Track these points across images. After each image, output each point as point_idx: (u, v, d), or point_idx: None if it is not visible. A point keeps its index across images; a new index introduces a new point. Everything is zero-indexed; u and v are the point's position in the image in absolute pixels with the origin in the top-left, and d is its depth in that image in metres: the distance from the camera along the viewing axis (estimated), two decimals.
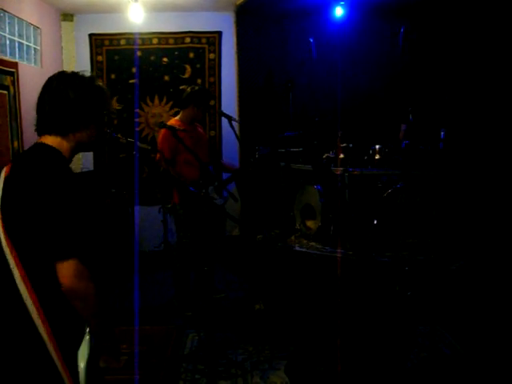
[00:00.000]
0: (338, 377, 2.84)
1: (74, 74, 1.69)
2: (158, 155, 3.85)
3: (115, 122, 5.77)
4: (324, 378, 2.90)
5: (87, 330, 1.60)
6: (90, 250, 1.62)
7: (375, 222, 4.06)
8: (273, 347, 3.48)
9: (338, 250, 4.04)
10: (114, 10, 5.43)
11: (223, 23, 5.80)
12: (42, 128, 1.66)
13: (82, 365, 1.53)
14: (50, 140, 1.64)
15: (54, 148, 1.62)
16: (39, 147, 1.63)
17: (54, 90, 1.64)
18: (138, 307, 3.88)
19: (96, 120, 1.70)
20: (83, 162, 5.78)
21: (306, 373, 3.06)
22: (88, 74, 1.71)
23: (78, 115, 1.64)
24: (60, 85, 1.64)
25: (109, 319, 1.65)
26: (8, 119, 4.22)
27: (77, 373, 1.53)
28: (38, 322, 1.51)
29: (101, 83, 1.74)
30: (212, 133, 5.88)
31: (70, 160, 1.68)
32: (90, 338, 1.59)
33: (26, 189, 1.52)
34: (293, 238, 4.53)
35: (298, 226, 4.59)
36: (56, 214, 1.49)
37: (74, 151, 1.69)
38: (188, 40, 5.80)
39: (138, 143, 2.35)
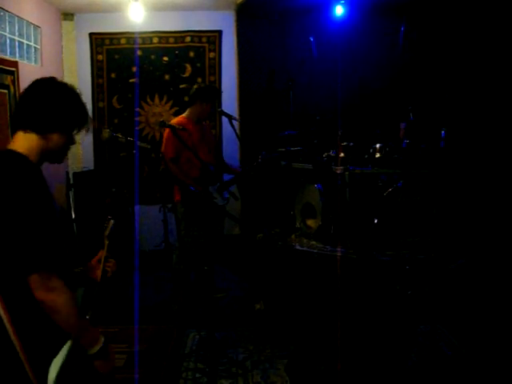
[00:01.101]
0: (339, 376, 2.84)
1: (65, 86, 1.71)
2: (163, 150, 3.90)
3: (116, 120, 5.78)
4: (324, 377, 2.90)
5: (69, 340, 1.60)
6: (64, 258, 1.62)
7: (376, 220, 4.06)
8: (273, 346, 3.48)
9: (339, 249, 4.04)
10: (115, 10, 5.43)
11: (223, 22, 5.79)
12: (14, 123, 1.68)
13: (53, 375, 1.52)
14: (20, 142, 1.64)
15: (19, 154, 1.61)
16: (5, 155, 1.62)
17: (36, 89, 1.67)
18: (138, 306, 3.88)
19: (65, 130, 1.70)
20: (84, 161, 5.79)
21: (306, 372, 3.06)
22: (78, 89, 1.74)
23: (49, 116, 1.64)
24: (44, 88, 1.67)
25: (91, 326, 1.65)
26: (8, 118, 4.22)
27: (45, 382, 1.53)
28: (12, 335, 1.52)
29: (86, 106, 1.75)
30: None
31: (37, 164, 1.66)
32: (70, 348, 1.59)
33: None
34: (293, 236, 4.53)
35: (298, 225, 4.59)
36: (14, 229, 1.49)
37: (42, 156, 1.68)
38: (188, 39, 5.79)
39: (138, 142, 2.35)
